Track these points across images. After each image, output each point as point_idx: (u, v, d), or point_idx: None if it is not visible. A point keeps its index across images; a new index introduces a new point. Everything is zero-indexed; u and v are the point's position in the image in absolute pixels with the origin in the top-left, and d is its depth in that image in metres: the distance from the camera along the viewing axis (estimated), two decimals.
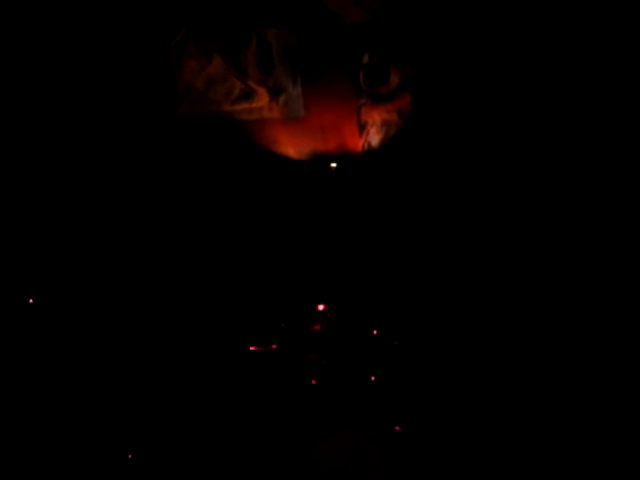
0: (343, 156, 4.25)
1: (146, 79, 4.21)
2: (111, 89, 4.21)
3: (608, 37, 3.90)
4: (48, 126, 4.22)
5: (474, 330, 3.93)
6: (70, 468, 3.65)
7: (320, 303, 4.13)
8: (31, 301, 4.16)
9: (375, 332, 4.02)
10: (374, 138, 4.21)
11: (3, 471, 3.45)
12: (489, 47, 4.06)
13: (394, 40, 4.16)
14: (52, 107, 4.21)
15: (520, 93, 4.02)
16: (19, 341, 3.97)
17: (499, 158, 4.03)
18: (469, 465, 3.45)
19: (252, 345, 4.08)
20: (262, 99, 4.23)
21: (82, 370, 3.95)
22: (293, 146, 4.26)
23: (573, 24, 3.96)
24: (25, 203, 4.20)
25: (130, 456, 3.73)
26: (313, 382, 3.95)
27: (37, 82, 4.19)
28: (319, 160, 4.25)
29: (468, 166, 4.08)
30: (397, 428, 3.66)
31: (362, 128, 4.22)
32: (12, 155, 4.18)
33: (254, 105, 4.24)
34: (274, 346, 4.06)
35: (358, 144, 4.24)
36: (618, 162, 3.91)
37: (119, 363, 4.01)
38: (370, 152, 4.22)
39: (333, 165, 4.25)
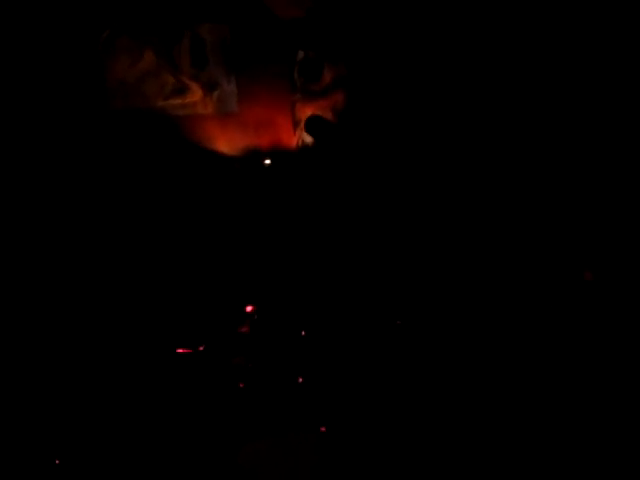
0: (277, 152, 4.16)
1: (76, 74, 4.12)
2: (40, 85, 4.12)
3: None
4: None
5: (405, 329, 3.80)
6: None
7: (248, 304, 3.99)
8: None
9: (303, 333, 3.87)
10: (308, 135, 4.13)
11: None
12: (421, 45, 4.01)
13: (328, 37, 4.12)
14: None
15: (449, 90, 3.96)
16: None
17: (431, 154, 3.95)
18: (396, 465, 3.29)
19: (179, 347, 3.91)
20: (195, 94, 4.16)
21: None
22: (227, 142, 4.18)
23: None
24: None
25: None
26: (240, 385, 3.79)
27: None
28: (253, 156, 4.17)
29: (400, 163, 3.99)
30: (322, 429, 3.49)
31: (296, 125, 4.15)
32: None
33: (187, 100, 4.17)
34: (201, 348, 3.90)
35: (292, 140, 4.17)
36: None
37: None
38: (304, 149, 4.14)
39: (267, 162, 4.16)
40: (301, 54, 4.10)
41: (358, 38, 4.06)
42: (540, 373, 3.46)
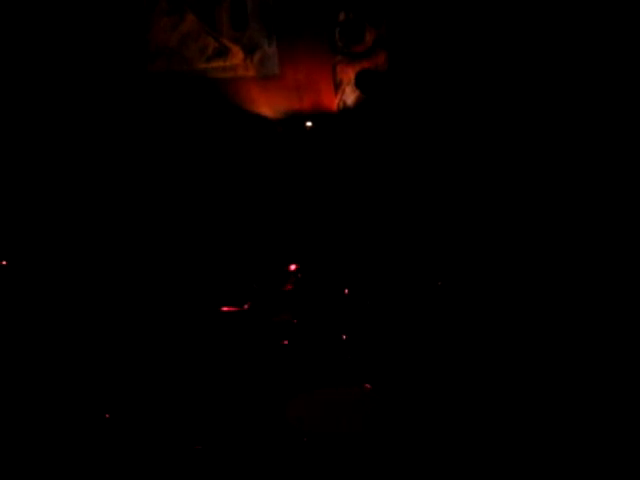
0: (318, 115, 4.19)
1: (118, 36, 4.15)
2: (83, 47, 4.16)
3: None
4: (20, 85, 4.17)
5: (445, 290, 3.86)
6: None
7: (292, 263, 4.05)
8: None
9: (346, 291, 3.94)
10: (349, 96, 4.16)
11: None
12: (463, 3, 4.00)
13: None
14: (22, 66, 4.16)
15: (493, 49, 3.96)
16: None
17: (473, 115, 3.97)
18: (436, 420, 3.36)
19: (224, 306, 3.99)
20: (236, 57, 4.18)
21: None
22: (268, 104, 4.21)
23: None
24: None
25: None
26: (285, 342, 3.87)
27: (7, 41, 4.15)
28: (294, 119, 4.19)
29: (442, 123, 4.01)
30: (367, 386, 3.56)
31: (337, 86, 4.17)
32: None
33: (228, 63, 4.19)
34: (246, 306, 3.98)
35: (333, 102, 4.19)
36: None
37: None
38: (345, 110, 4.16)
39: (308, 124, 4.19)
40: (342, 15, 4.09)
41: None
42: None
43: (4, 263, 4.04)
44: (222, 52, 4.17)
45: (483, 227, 3.89)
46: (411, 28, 4.06)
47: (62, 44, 4.14)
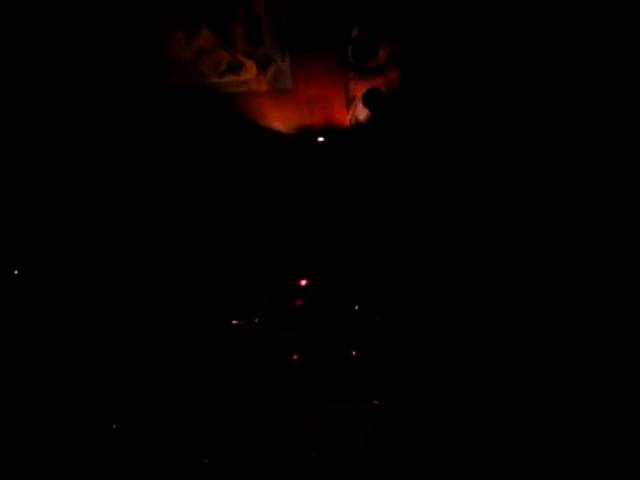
0: (330, 130, 4.21)
1: (133, 50, 4.19)
2: (97, 61, 4.20)
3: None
4: (34, 92, 4.22)
5: (454, 306, 3.86)
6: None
7: (302, 278, 4.07)
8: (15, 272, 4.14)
9: (357, 307, 3.96)
10: (361, 112, 4.17)
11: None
12: (476, 21, 4.01)
13: (383, 14, 4.12)
14: (38, 76, 4.21)
15: (506, 66, 3.96)
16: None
17: (485, 132, 3.96)
18: (444, 436, 3.37)
19: (234, 319, 4.02)
20: (250, 72, 4.21)
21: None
22: (280, 119, 4.23)
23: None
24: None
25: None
26: (294, 357, 3.89)
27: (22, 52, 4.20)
28: (306, 134, 4.22)
29: (454, 140, 4.02)
30: (375, 402, 3.58)
31: (350, 102, 4.18)
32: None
33: (242, 77, 4.22)
34: (256, 320, 4.00)
35: (345, 118, 4.21)
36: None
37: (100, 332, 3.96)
38: (357, 126, 4.18)
39: (320, 139, 4.21)
40: (355, 31, 4.11)
41: (413, 14, 4.05)
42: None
43: (15, 273, 4.09)
44: (236, 67, 4.20)
45: (495, 244, 3.89)
46: (424, 44, 4.07)
47: (78, 57, 4.18)
